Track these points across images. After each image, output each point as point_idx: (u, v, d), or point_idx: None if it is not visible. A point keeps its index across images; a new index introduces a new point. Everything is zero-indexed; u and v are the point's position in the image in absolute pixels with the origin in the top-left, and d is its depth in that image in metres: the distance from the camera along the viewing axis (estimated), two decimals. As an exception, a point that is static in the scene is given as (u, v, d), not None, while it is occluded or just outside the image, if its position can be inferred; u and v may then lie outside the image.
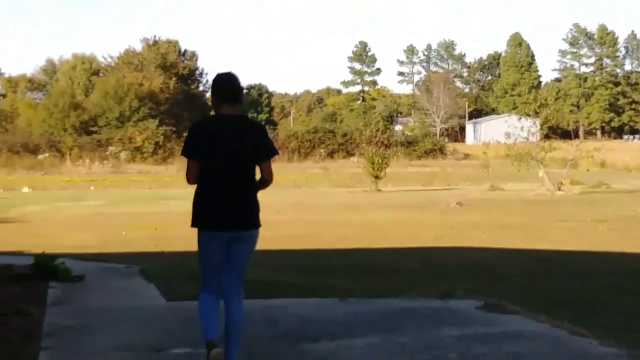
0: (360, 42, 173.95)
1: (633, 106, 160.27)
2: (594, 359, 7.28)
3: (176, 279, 12.29)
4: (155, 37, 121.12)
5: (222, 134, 6.73)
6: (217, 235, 6.74)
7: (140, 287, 12.06)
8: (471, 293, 10.73)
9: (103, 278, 12.93)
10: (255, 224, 6.90)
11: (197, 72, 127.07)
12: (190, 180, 6.82)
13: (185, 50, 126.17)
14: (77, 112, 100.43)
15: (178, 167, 69.29)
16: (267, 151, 6.94)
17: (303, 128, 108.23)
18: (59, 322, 9.29)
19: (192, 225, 6.85)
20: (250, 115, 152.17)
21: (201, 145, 6.71)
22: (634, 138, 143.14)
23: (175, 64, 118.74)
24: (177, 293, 11.08)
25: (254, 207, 6.91)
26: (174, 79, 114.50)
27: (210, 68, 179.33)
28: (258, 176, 7.02)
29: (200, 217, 6.78)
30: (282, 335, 8.47)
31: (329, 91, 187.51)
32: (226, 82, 6.92)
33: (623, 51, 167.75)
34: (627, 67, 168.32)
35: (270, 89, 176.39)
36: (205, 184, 6.77)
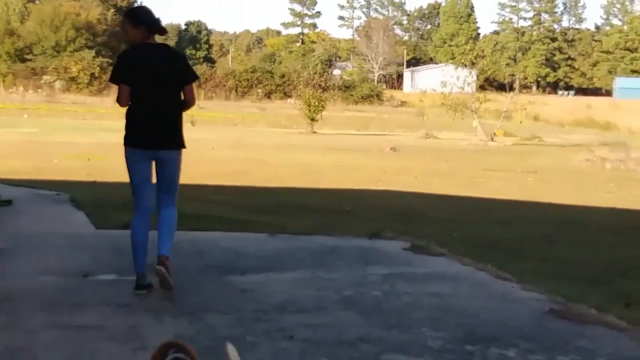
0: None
1: (569, 62, 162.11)
2: (514, 302, 7.45)
3: (106, 208, 12.24)
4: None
5: (148, 61, 7.30)
6: (141, 153, 7.32)
7: (70, 215, 12.02)
8: (400, 235, 10.88)
9: (32, 204, 12.84)
10: (177, 144, 7.47)
11: (136, 4, 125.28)
12: (121, 103, 7.40)
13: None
14: (12, 39, 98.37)
15: (113, 99, 68.34)
16: (189, 76, 7.52)
17: (241, 67, 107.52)
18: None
19: (125, 145, 7.40)
20: (188, 52, 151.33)
21: (128, 71, 7.31)
22: (568, 94, 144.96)
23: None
24: (106, 221, 11.06)
25: (177, 128, 7.48)
26: (111, 10, 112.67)
27: (148, 2, 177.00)
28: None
29: (127, 136, 7.38)
30: (210, 266, 8.53)
31: (268, 32, 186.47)
32: (153, 14, 7.48)
33: (561, 7, 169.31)
34: (565, 24, 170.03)
35: (210, 27, 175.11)
36: (134, 106, 7.37)
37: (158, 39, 7.56)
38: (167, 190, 7.51)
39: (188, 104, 7.53)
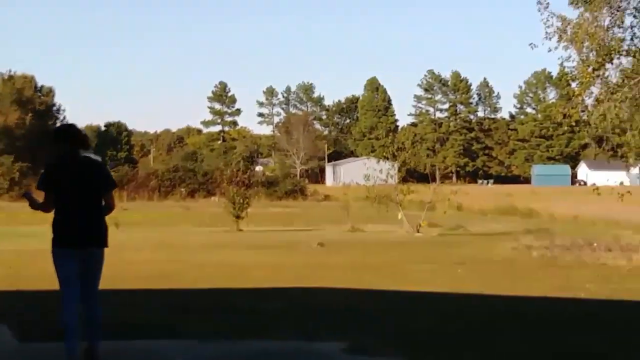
0: (220, 82, 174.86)
1: (486, 151, 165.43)
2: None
3: (30, 319, 11.75)
4: (10, 71, 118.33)
5: (71, 171, 8.41)
6: (68, 252, 8.31)
7: (-9, 328, 11.48)
8: (335, 334, 10.62)
9: (-49, 318, 12.27)
10: (100, 243, 8.55)
11: (54, 108, 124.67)
12: (47, 209, 8.46)
13: (42, 86, 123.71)
14: None
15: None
16: (108, 184, 8.71)
17: (163, 167, 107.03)
18: None
19: (53, 246, 8.39)
20: (109, 153, 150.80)
21: (53, 181, 8.40)
22: (487, 182, 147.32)
23: (31, 99, 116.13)
24: (31, 334, 10.59)
25: (101, 229, 8.55)
26: (30, 114, 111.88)
27: (67, 104, 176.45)
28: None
29: (55, 237, 8.37)
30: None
31: (189, 130, 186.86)
32: (78, 132, 8.74)
33: (476, 98, 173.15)
34: (480, 114, 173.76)
35: (130, 127, 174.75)
36: (59, 212, 8.41)
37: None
38: (90, 284, 8.49)
39: (109, 209, 8.63)
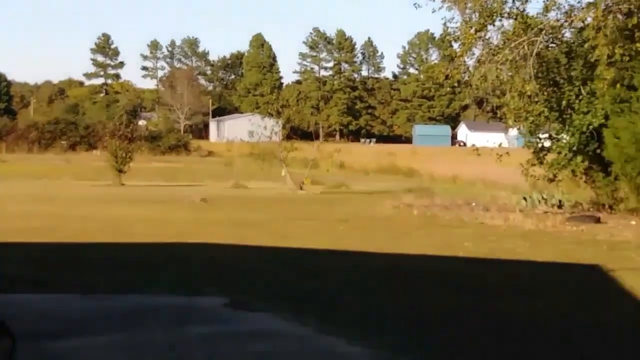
0: (103, 34, 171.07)
1: (369, 111, 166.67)
2: (340, 357, 7.34)
3: None
4: None
5: None
6: None
7: None
8: (216, 290, 10.63)
9: None
10: None
11: None
12: None
13: None
14: None
15: None
16: None
17: (44, 119, 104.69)
18: None
19: None
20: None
21: None
22: (370, 142, 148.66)
23: None
24: None
25: None
26: None
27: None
28: None
29: None
30: (19, 332, 8.01)
31: (70, 82, 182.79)
32: None
33: (360, 57, 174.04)
34: (364, 73, 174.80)
35: (9, 78, 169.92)
36: None
37: None
38: None
39: None
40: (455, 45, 27.66)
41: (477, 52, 26.24)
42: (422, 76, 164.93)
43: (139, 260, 14.28)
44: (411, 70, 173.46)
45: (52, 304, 9.59)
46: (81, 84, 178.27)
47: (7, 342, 5.73)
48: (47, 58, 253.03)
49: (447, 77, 27.01)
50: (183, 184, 41.82)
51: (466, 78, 26.95)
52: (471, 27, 25.43)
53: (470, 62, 26.49)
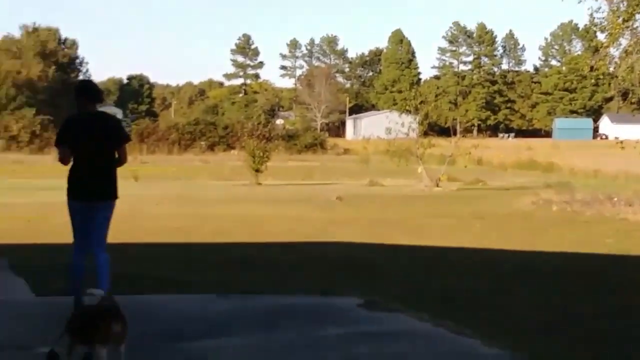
0: (243, 34, 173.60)
1: (508, 105, 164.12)
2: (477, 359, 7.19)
3: (47, 273, 11.78)
4: (35, 24, 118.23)
5: (86, 126, 8.82)
6: (79, 204, 8.84)
7: (8, 281, 11.53)
8: (352, 290, 10.60)
9: (-31, 271, 12.33)
10: (110, 195, 8.95)
11: (77, 60, 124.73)
12: (63, 163, 8.86)
13: (66, 39, 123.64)
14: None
15: (54, 156, 67.47)
16: (120, 138, 9.02)
17: (184, 120, 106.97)
18: None
19: (67, 197, 8.91)
20: (130, 106, 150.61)
21: (69, 135, 8.83)
22: (508, 136, 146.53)
23: (55, 52, 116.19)
24: (48, 287, 10.62)
25: (111, 183, 8.95)
26: (53, 67, 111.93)
27: (91, 57, 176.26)
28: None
29: (69, 189, 8.90)
30: (157, 333, 8.14)
31: (211, 83, 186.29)
32: (92, 88, 9.19)
33: (500, 50, 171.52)
34: (504, 66, 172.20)
35: (152, 80, 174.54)
36: (74, 166, 8.87)
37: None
38: (98, 232, 8.90)
39: (120, 162, 8.99)
40: (601, 36, 27.03)
41: (624, 42, 25.54)
42: (564, 68, 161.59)
43: (275, 260, 14.39)
44: (553, 62, 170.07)
45: (190, 305, 9.72)
46: (221, 84, 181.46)
47: (119, 327, 6.32)
48: (189, 60, 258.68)
49: (592, 68, 26.40)
50: (319, 182, 42.05)
51: (612, 69, 26.28)
52: (619, 17, 24.75)
53: (617, 53, 25.83)
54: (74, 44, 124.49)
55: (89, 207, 8.84)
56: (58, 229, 18.37)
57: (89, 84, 9.49)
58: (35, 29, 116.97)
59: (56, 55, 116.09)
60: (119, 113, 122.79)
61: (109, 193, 8.96)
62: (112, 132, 8.95)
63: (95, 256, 8.85)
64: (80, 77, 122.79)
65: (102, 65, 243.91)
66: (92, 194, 8.84)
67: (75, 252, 8.93)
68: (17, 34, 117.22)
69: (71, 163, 8.87)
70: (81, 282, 8.60)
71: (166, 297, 10.22)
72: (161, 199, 28.15)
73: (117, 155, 8.96)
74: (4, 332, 8.22)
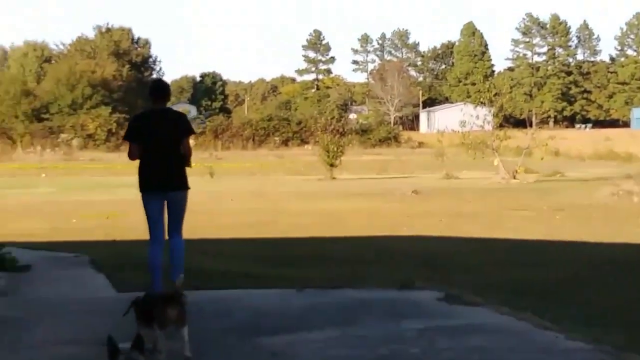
0: (314, 30, 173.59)
1: (585, 95, 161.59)
2: (561, 354, 7.01)
3: (127, 269, 11.86)
4: (108, 24, 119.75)
5: (154, 122, 9.55)
6: (153, 195, 9.51)
7: (90, 278, 11.64)
8: (431, 283, 10.47)
9: (51, 268, 12.47)
10: (181, 186, 9.62)
11: (151, 59, 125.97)
12: (132, 158, 9.61)
13: (139, 38, 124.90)
14: (29, 99, 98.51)
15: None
16: (184, 132, 9.67)
17: (257, 116, 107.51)
18: (3, 314, 8.89)
19: (140, 190, 9.59)
20: (204, 103, 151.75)
21: (138, 132, 9.58)
22: (585, 127, 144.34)
23: (128, 51, 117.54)
24: (128, 284, 10.67)
25: (181, 174, 9.59)
26: (127, 66, 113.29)
27: (164, 56, 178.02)
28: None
29: (141, 183, 9.57)
30: (235, 328, 8.10)
31: (283, 80, 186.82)
32: (159, 86, 9.95)
33: (575, 41, 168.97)
34: (579, 57, 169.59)
35: (225, 77, 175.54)
36: (143, 159, 9.54)
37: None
38: (174, 221, 9.61)
39: (184, 155, 9.57)
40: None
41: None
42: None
43: (351, 254, 14.32)
44: (629, 52, 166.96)
45: (268, 299, 9.68)
46: (293, 80, 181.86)
47: (175, 312, 6.61)
48: (261, 57, 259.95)
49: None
50: (394, 176, 41.88)
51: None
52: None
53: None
54: (146, 44, 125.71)
55: (162, 198, 9.51)
56: (137, 225, 18.53)
57: (155, 83, 10.39)
58: (109, 29, 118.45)
59: (130, 54, 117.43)
60: (192, 110, 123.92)
61: (181, 183, 9.59)
62: (179, 128, 9.62)
63: (171, 240, 9.54)
64: (154, 75, 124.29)
65: (175, 64, 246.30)
66: (165, 185, 9.49)
67: (153, 244, 9.54)
68: (91, 34, 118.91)
69: (140, 158, 9.55)
70: (160, 274, 9.28)
71: (243, 292, 10.19)
72: (236, 195, 28.26)
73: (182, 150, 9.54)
74: (85, 328, 8.27)
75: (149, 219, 9.61)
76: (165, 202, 9.57)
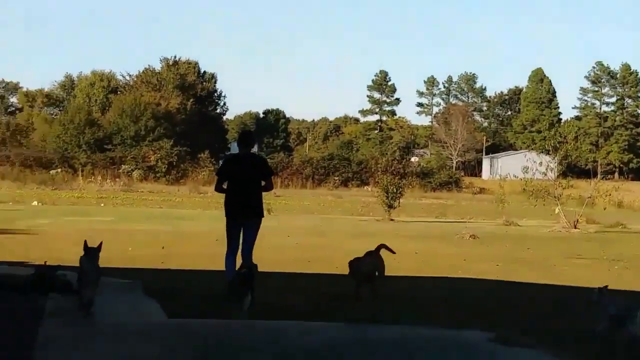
0: (380, 71, 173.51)
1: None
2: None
3: (179, 296, 11.96)
4: (175, 57, 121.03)
5: (240, 163, 12.84)
6: (233, 220, 12.73)
7: (142, 303, 11.73)
8: (482, 324, 10.37)
9: (104, 292, 12.57)
10: (258, 215, 12.82)
11: (216, 94, 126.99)
12: (217, 190, 13.21)
13: (205, 72, 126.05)
14: (93, 129, 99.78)
15: (190, 187, 68.87)
16: (267, 174, 13.06)
17: (318, 155, 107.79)
18: (55, 334, 9.00)
19: (225, 215, 12.93)
20: (266, 140, 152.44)
21: (228, 171, 13.06)
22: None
23: (193, 85, 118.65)
24: (179, 310, 10.75)
25: (257, 205, 12.79)
26: (191, 100, 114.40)
27: (229, 91, 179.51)
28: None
29: (227, 210, 12.82)
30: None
31: (346, 119, 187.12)
32: (247, 136, 13.41)
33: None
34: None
35: (288, 115, 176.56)
36: (229, 192, 12.85)
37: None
38: (248, 242, 12.62)
39: (267, 189, 12.96)
40: None
41: None
42: None
43: (406, 293, 14.25)
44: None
45: (317, 333, 9.67)
46: (356, 120, 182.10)
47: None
48: (325, 95, 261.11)
49: None
50: (453, 220, 41.65)
51: None
52: None
53: None
54: (212, 78, 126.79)
55: (241, 224, 12.63)
56: (191, 256, 18.72)
57: (244, 133, 13.63)
58: (176, 62, 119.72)
59: (195, 88, 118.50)
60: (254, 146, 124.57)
61: (257, 212, 12.76)
62: (262, 170, 12.91)
63: (244, 259, 12.06)
64: (218, 110, 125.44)
65: (239, 99, 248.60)
66: (244, 214, 12.65)
67: (228, 253, 12.55)
68: (157, 66, 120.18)
69: (227, 192, 12.79)
70: (230, 274, 11.79)
71: (294, 324, 10.19)
72: (294, 232, 28.32)
73: (263, 184, 12.78)
74: (136, 352, 8.33)
75: (229, 236, 12.67)
76: (242, 227, 12.63)
